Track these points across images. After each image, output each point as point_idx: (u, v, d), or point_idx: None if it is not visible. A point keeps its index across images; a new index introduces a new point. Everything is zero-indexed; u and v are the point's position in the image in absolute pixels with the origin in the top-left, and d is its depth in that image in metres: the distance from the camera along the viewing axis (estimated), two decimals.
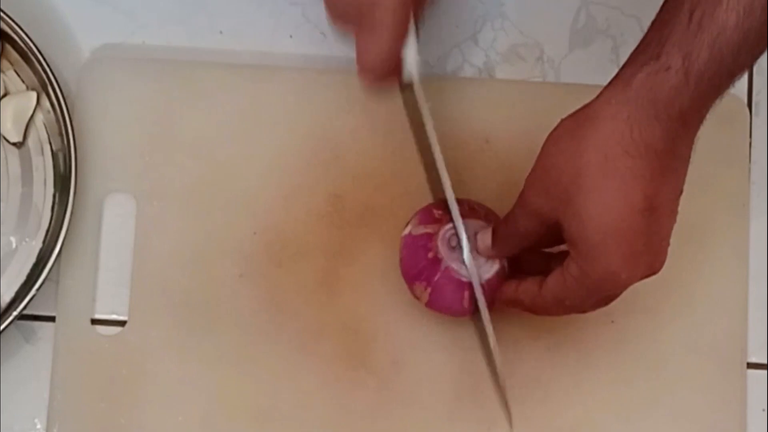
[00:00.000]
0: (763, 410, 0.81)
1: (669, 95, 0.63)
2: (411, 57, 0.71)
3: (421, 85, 0.72)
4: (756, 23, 0.61)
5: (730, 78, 0.63)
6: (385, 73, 0.71)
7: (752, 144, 0.83)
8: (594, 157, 0.65)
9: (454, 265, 0.74)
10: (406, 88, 0.73)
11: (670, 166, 0.65)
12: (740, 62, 0.62)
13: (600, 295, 0.69)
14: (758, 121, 0.84)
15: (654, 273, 0.68)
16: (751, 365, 0.81)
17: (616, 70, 0.84)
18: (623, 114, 0.64)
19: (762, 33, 0.61)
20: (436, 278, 0.75)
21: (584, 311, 0.71)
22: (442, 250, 0.75)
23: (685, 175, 0.67)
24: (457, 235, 0.74)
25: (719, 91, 0.63)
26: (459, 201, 0.75)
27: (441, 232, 0.75)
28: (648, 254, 0.66)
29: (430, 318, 0.79)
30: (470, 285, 0.74)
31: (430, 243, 0.75)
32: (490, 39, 0.85)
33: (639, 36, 0.84)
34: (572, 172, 0.66)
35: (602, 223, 0.65)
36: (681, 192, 0.67)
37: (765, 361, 0.81)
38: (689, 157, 0.66)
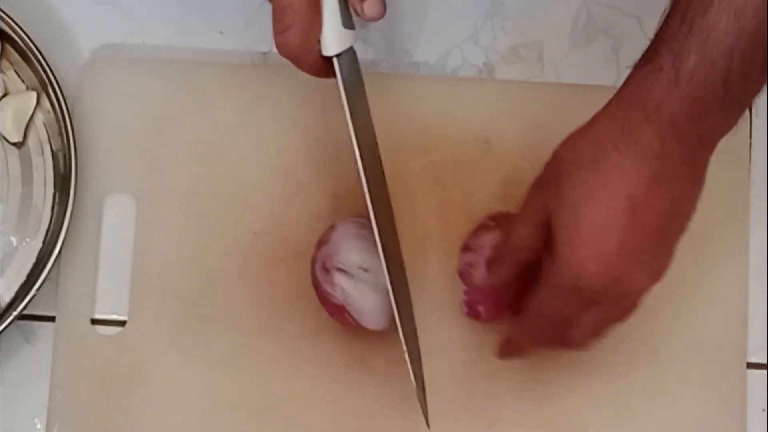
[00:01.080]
0: (763, 410, 0.81)
1: (659, 96, 0.63)
2: (330, 38, 0.69)
3: (344, 70, 0.71)
4: (748, 26, 0.61)
5: (726, 85, 0.62)
6: (306, 63, 0.70)
7: (752, 144, 0.83)
8: (588, 150, 0.65)
9: (329, 288, 0.75)
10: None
11: (664, 173, 0.64)
12: (736, 68, 0.62)
13: (577, 297, 0.66)
14: (758, 121, 0.84)
15: (636, 285, 0.66)
16: (751, 365, 0.81)
17: (616, 70, 0.85)
18: (618, 113, 0.65)
19: (756, 37, 0.61)
20: (321, 301, 0.76)
21: (569, 336, 0.69)
22: (319, 275, 0.76)
23: (691, 192, 0.66)
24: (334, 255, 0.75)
25: (715, 98, 0.62)
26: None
27: (318, 255, 0.76)
28: (625, 259, 0.65)
29: (429, 318, 0.79)
30: (343, 307, 0.75)
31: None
32: (490, 39, 0.85)
33: (639, 36, 0.84)
34: (567, 162, 0.66)
35: (583, 213, 0.65)
36: (685, 210, 0.66)
37: (765, 361, 0.81)
38: (696, 176, 0.66)
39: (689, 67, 0.62)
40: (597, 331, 0.70)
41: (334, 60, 0.70)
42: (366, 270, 0.74)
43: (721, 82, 0.62)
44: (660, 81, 0.63)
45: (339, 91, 0.71)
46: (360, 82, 0.72)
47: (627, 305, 0.68)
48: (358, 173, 0.71)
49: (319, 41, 0.69)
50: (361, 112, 0.73)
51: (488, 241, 0.76)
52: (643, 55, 0.65)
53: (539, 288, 0.68)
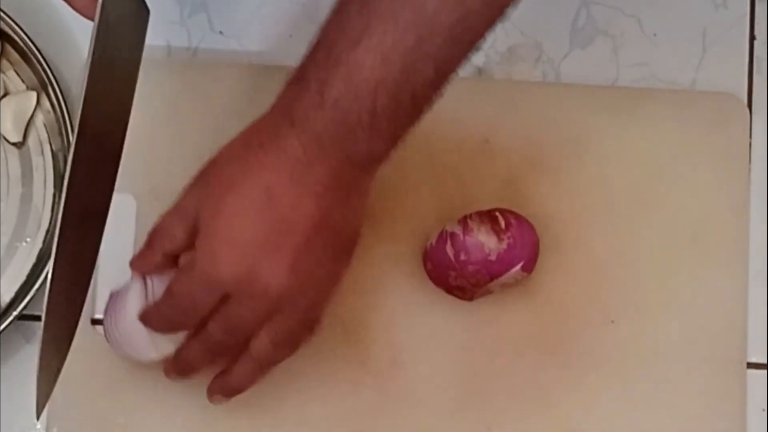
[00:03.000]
0: (763, 410, 0.81)
1: (305, 112, 0.64)
2: None
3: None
4: (393, 69, 0.62)
5: (373, 116, 0.63)
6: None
7: (752, 144, 0.83)
8: (238, 149, 0.67)
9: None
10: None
11: (305, 174, 0.65)
12: (382, 104, 0.63)
13: (210, 287, 0.66)
14: (758, 121, 0.84)
15: (269, 283, 0.65)
16: (751, 365, 0.81)
17: (616, 70, 0.85)
18: (270, 117, 0.66)
19: (401, 80, 0.62)
20: None
21: (251, 345, 0.68)
22: None
23: (339, 205, 0.66)
24: None
25: (361, 126, 0.63)
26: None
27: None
28: (258, 252, 0.65)
29: (429, 318, 0.79)
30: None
31: None
32: (490, 39, 0.84)
33: (639, 36, 0.84)
34: (219, 159, 0.68)
35: (223, 202, 0.66)
36: (332, 221, 0.66)
37: (765, 361, 0.81)
38: (345, 192, 0.66)
39: (334, 95, 0.63)
40: (275, 340, 0.68)
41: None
42: None
43: (367, 113, 0.63)
44: (307, 99, 0.64)
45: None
46: (136, 41, 0.69)
47: (294, 311, 0.67)
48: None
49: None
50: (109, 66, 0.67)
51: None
52: (295, 71, 0.65)
53: (177, 274, 0.68)
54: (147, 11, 0.68)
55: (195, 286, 0.67)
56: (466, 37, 0.64)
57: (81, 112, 0.65)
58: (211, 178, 0.67)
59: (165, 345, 0.73)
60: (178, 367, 0.72)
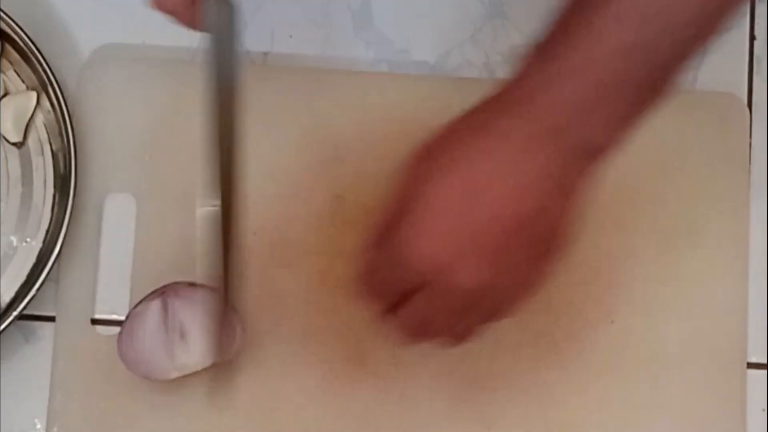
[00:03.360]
0: (763, 410, 0.81)
1: (531, 88, 0.61)
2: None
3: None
4: (627, 39, 0.58)
5: (600, 92, 0.59)
6: (188, 15, 0.66)
7: (752, 144, 0.83)
8: (459, 121, 0.64)
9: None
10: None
11: (480, 154, 0.62)
12: (613, 77, 0.59)
13: (406, 273, 0.64)
14: (758, 121, 0.84)
15: (464, 280, 0.62)
16: (751, 365, 0.81)
17: None
18: (497, 99, 0.64)
19: (636, 54, 0.59)
20: None
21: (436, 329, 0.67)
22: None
23: (558, 197, 0.62)
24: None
25: (594, 107, 0.60)
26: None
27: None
28: (457, 246, 0.62)
29: None
30: None
31: None
32: (490, 39, 0.85)
33: None
34: (445, 131, 0.65)
35: (431, 187, 0.63)
36: (549, 217, 0.62)
37: (765, 361, 0.81)
38: (565, 183, 0.62)
39: (563, 68, 0.60)
40: (454, 331, 0.67)
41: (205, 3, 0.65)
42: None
43: (594, 87, 0.59)
44: (535, 77, 0.61)
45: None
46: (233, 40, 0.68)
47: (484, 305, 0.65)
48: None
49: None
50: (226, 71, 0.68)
51: None
52: (531, 48, 0.63)
53: (378, 249, 0.66)
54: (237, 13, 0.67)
55: (391, 270, 0.65)
56: (718, 10, 0.59)
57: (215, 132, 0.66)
58: (426, 160, 0.64)
59: (185, 364, 0.74)
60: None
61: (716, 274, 0.81)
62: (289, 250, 0.80)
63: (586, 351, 0.80)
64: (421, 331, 0.68)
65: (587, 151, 0.62)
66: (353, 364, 0.79)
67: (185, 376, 0.77)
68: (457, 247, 0.62)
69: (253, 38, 0.84)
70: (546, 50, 0.61)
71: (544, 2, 0.85)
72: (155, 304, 0.75)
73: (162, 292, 0.76)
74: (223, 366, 0.72)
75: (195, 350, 0.74)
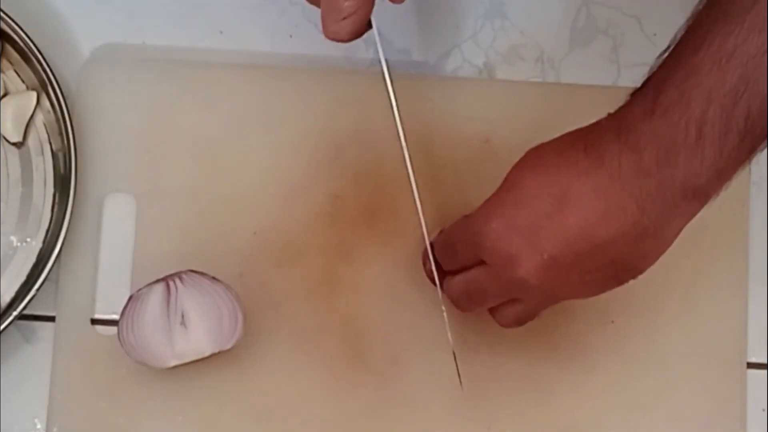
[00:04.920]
0: (763, 410, 0.81)
1: (634, 119, 0.61)
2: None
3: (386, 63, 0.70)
4: (729, 79, 0.58)
5: (699, 130, 0.59)
6: (350, 38, 0.67)
7: None
8: (566, 137, 0.66)
9: None
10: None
11: (592, 164, 0.63)
12: (713, 118, 0.58)
13: (505, 281, 0.67)
14: None
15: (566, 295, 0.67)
16: (751, 365, 0.81)
17: (616, 70, 0.85)
18: (601, 123, 0.64)
19: (735, 94, 0.58)
20: None
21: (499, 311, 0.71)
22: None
23: (646, 237, 0.62)
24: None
25: (692, 145, 0.59)
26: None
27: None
28: (534, 244, 0.64)
29: (430, 318, 0.79)
30: None
31: None
32: (490, 39, 0.85)
33: (639, 36, 0.84)
34: (539, 150, 0.68)
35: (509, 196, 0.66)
36: (635, 252, 0.63)
37: (765, 361, 0.81)
38: (652, 224, 0.62)
39: (665, 103, 0.59)
40: (500, 314, 0.72)
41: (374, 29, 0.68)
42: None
43: (694, 125, 0.59)
44: (639, 108, 0.61)
45: (380, 58, 0.70)
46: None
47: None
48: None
49: (369, 23, 0.67)
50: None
51: None
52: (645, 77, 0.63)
53: (460, 220, 0.71)
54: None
55: (462, 239, 0.70)
56: None
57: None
58: (536, 157, 0.66)
59: (184, 352, 0.73)
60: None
61: (716, 274, 0.81)
62: (289, 250, 0.80)
63: (586, 351, 0.80)
64: (472, 298, 0.71)
65: (678, 191, 0.61)
66: (353, 364, 0.79)
67: (185, 372, 0.78)
68: (528, 245, 0.64)
69: (253, 38, 0.84)
70: (650, 80, 0.62)
71: (544, 2, 0.86)
72: (158, 287, 0.74)
73: (166, 278, 0.76)
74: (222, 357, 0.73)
75: (195, 338, 0.74)
